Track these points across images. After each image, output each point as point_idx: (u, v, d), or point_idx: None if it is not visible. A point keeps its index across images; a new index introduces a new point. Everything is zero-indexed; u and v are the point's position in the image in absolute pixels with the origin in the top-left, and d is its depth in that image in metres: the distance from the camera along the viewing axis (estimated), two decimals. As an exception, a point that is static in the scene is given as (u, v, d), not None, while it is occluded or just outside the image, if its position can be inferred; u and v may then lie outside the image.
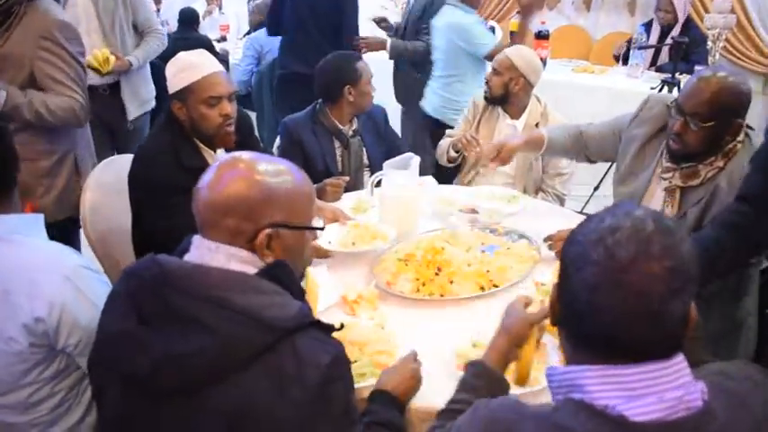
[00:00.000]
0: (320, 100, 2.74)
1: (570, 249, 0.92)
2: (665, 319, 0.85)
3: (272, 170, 1.17)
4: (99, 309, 1.18)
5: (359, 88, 2.66)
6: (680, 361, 0.88)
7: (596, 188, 3.80)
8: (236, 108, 2.14)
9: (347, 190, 2.55)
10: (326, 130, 2.71)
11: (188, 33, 5.22)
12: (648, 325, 0.85)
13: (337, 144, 2.73)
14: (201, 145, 2.15)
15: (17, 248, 1.42)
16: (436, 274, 1.87)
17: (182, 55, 2.10)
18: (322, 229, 1.30)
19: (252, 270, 1.12)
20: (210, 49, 5.24)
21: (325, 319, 1.15)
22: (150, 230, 1.97)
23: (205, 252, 1.13)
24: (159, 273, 1.09)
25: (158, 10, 4.70)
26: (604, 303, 0.85)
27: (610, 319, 0.86)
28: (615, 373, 0.86)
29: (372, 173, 2.69)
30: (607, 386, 0.86)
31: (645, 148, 2.09)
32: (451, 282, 1.84)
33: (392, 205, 2.17)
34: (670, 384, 0.86)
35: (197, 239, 1.16)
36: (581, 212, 3.42)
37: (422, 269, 1.89)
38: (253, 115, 5.45)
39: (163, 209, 1.95)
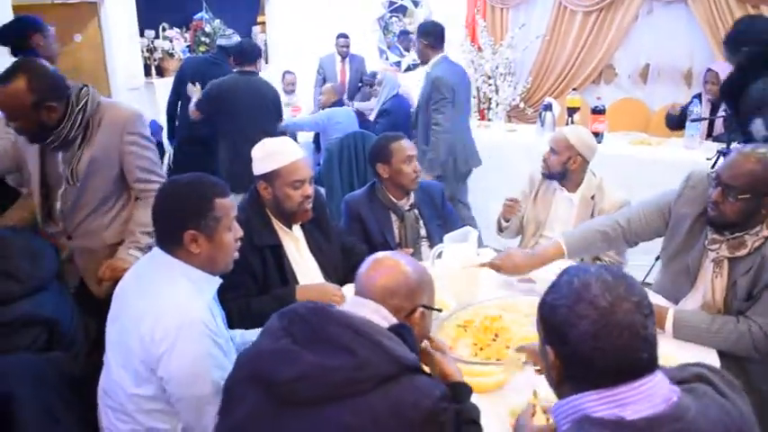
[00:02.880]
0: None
1: (556, 315, 1.12)
2: (649, 340, 1.08)
3: (414, 264, 1.56)
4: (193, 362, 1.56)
5: (392, 166, 2.82)
6: (659, 372, 1.10)
7: (658, 257, 3.80)
8: (313, 189, 2.37)
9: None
10: (383, 205, 2.90)
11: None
12: (641, 349, 1.06)
13: (394, 218, 2.91)
14: (277, 222, 2.38)
15: (167, 287, 1.73)
16: (493, 339, 1.98)
17: (269, 141, 2.37)
18: (440, 310, 1.70)
19: (385, 324, 1.43)
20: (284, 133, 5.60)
21: None
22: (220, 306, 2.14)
23: (356, 306, 1.47)
24: (316, 307, 1.42)
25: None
26: (606, 344, 1.05)
27: (612, 354, 1.05)
28: (615, 392, 1.06)
29: (431, 245, 2.86)
30: (608, 404, 1.05)
31: (694, 226, 2.17)
32: (508, 347, 1.94)
33: (453, 277, 2.30)
34: (657, 390, 1.06)
35: (353, 297, 1.52)
36: (643, 282, 3.43)
37: (480, 335, 2.00)
38: (322, 191, 5.75)
39: (232, 287, 2.14)
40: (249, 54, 4.59)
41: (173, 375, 1.66)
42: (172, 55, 7.02)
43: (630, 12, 5.67)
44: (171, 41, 7.10)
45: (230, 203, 1.84)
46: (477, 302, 2.26)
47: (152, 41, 7.09)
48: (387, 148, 2.85)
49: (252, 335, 2.11)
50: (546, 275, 2.41)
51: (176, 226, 1.76)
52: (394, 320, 1.45)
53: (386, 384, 1.28)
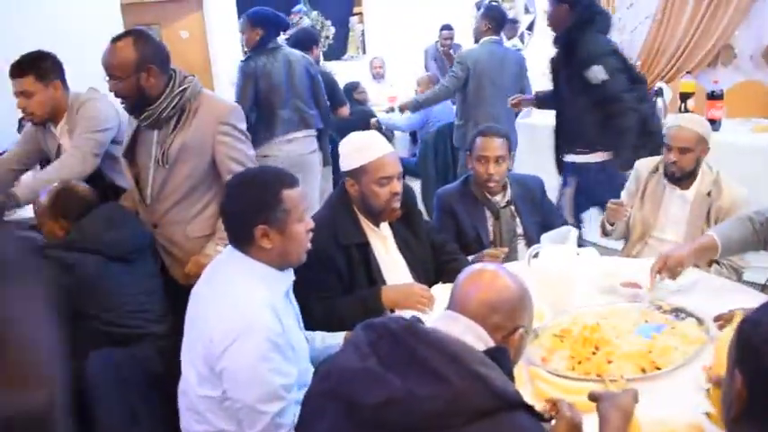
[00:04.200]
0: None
1: (757, 332, 0.91)
2: None
3: (518, 280, 1.41)
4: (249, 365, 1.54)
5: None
6: None
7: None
8: (402, 185, 2.28)
9: (504, 260, 2.56)
10: (477, 200, 2.76)
11: (352, 106, 5.52)
12: None
13: (488, 214, 2.76)
14: (364, 220, 2.31)
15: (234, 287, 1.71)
16: (593, 353, 1.81)
17: (355, 136, 2.31)
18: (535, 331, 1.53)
19: (481, 346, 1.27)
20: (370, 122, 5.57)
21: None
22: (304, 305, 2.05)
23: (449, 322, 1.33)
24: (408, 326, 1.26)
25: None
26: None
27: None
28: None
29: (528, 243, 2.70)
30: None
31: None
32: (610, 362, 1.77)
33: (549, 281, 2.14)
34: None
35: (446, 313, 1.38)
36: (764, 287, 3.11)
37: (578, 347, 1.84)
38: (417, 183, 5.66)
39: (317, 286, 2.09)
40: (303, 42, 4.60)
41: (229, 377, 1.65)
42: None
43: (754, -15, 5.17)
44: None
45: (299, 194, 1.80)
46: (575, 309, 2.09)
47: (296, 30, 7.17)
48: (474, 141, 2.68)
49: (333, 339, 2.06)
50: (654, 280, 2.22)
51: (246, 222, 1.73)
52: (490, 342, 1.31)
53: (481, 421, 1.13)
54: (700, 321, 1.96)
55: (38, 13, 5.82)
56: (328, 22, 8.10)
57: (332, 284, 2.24)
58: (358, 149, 2.24)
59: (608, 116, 3.30)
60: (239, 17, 7.35)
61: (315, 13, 7.90)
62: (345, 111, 4.76)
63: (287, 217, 1.75)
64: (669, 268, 2.10)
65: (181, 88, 2.35)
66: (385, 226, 2.38)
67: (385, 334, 1.26)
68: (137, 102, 2.34)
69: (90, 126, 2.74)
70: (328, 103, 4.32)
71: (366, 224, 2.33)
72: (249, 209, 1.74)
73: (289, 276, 1.85)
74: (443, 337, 1.23)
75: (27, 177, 2.87)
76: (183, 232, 2.50)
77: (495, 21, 4.64)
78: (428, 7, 7.63)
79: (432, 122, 5.58)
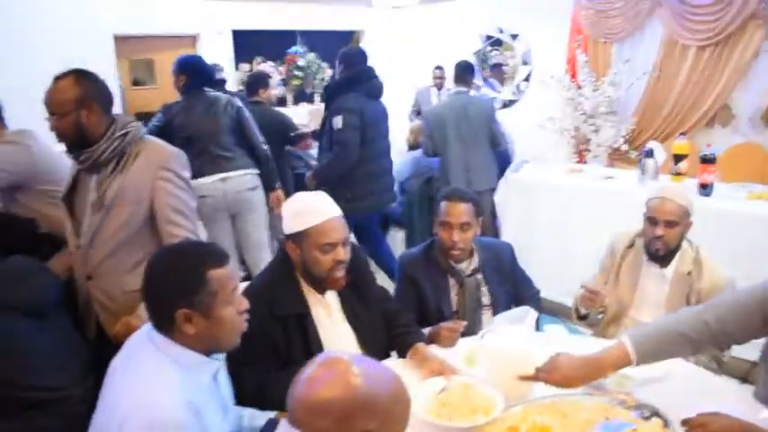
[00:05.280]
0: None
1: None
2: None
3: (375, 375, 1.15)
4: None
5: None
6: None
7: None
8: (349, 251, 2.11)
9: (464, 334, 2.36)
10: (440, 268, 2.56)
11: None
12: None
13: (452, 282, 2.56)
14: (307, 286, 2.12)
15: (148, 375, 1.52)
16: (540, 457, 1.60)
17: (300, 197, 2.14)
18: None
19: None
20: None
21: None
22: (235, 377, 1.90)
23: None
24: None
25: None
26: None
27: None
28: None
29: (495, 314, 2.49)
30: None
31: None
32: (558, 470, 1.56)
33: (500, 366, 1.93)
34: None
35: (284, 424, 1.15)
36: (744, 381, 2.85)
37: (523, 450, 1.63)
38: (402, 234, 5.49)
39: (249, 359, 1.90)
40: (250, 85, 5.09)
41: None
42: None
43: (752, 46, 5.07)
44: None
45: (227, 274, 1.60)
46: (528, 401, 1.87)
47: (247, 75, 7.16)
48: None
49: (262, 419, 1.88)
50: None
51: (166, 305, 1.55)
52: None
53: None
54: (666, 424, 1.74)
55: (31, 44, 5.77)
56: (325, 65, 8.03)
57: (266, 358, 2.04)
58: (300, 212, 2.06)
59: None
60: (236, 56, 7.33)
61: (312, 54, 7.83)
62: (304, 144, 5.22)
63: (213, 300, 1.56)
64: (553, 383, 1.86)
65: (122, 132, 2.28)
66: (331, 293, 2.19)
67: None
68: (76, 141, 2.27)
69: None
70: (264, 143, 4.24)
71: (309, 291, 2.13)
72: (169, 290, 1.56)
73: (215, 363, 1.66)
74: None
75: None
76: (119, 285, 2.34)
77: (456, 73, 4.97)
78: (423, 51, 7.57)
79: (420, 172, 5.43)
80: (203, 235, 3.76)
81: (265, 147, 4.21)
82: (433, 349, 2.25)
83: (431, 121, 4.87)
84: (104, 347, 2.22)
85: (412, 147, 5.86)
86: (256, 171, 4.15)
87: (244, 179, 4.06)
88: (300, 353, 2.06)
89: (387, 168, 4.47)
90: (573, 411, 1.80)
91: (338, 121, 4.10)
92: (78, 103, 2.22)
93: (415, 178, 5.44)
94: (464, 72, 4.95)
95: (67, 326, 2.26)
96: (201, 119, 3.95)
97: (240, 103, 4.15)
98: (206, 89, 4.05)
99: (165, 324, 1.57)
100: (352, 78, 4.20)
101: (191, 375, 1.56)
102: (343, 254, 2.07)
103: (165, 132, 3.84)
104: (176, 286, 1.54)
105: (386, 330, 2.31)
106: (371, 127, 4.19)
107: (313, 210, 2.06)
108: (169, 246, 1.91)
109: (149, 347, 1.59)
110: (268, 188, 4.25)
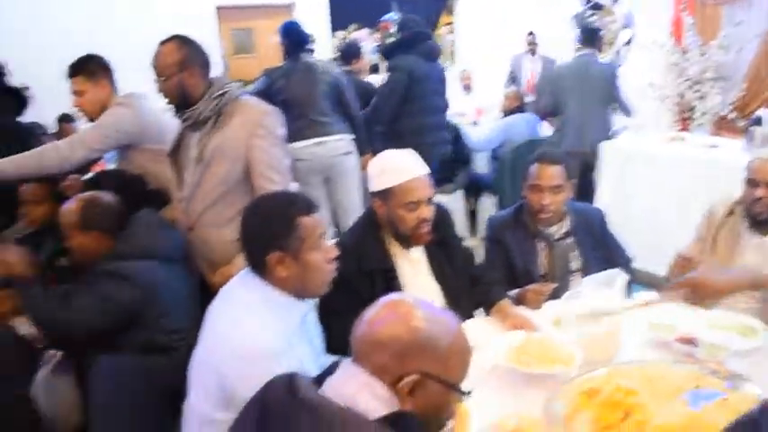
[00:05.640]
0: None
1: None
2: None
3: (442, 321, 1.18)
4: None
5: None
6: None
7: None
8: (433, 209, 2.15)
9: (552, 297, 2.35)
10: (529, 231, 2.55)
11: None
12: None
13: (541, 246, 2.54)
14: (393, 243, 2.18)
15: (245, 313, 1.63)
16: (622, 419, 1.59)
17: (387, 155, 2.18)
18: (468, 393, 1.20)
19: (381, 410, 1.08)
20: (458, 137, 5.47)
21: None
22: (325, 326, 1.99)
23: (345, 377, 1.15)
24: (289, 397, 1.11)
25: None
26: None
27: None
28: None
29: (586, 279, 2.46)
30: None
31: None
32: (640, 433, 1.55)
33: (588, 329, 1.93)
34: None
35: (346, 362, 1.18)
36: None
37: (605, 410, 1.62)
38: (494, 199, 5.47)
39: (337, 310, 1.97)
40: (345, 54, 5.21)
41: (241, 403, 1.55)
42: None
43: None
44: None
45: (315, 222, 1.71)
46: (613, 364, 1.86)
47: (343, 42, 7.26)
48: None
49: None
50: (712, 337, 1.95)
51: (260, 249, 1.67)
52: (393, 402, 1.10)
53: None
54: (759, 396, 1.68)
55: (141, 16, 6.09)
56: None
57: (354, 310, 2.12)
58: (386, 170, 2.11)
59: None
60: (332, 22, 7.43)
61: (405, 21, 7.82)
62: None
63: (301, 245, 1.67)
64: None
65: (220, 92, 2.42)
66: (418, 249, 2.24)
67: (270, 413, 1.13)
68: (179, 101, 2.43)
69: (100, 123, 2.83)
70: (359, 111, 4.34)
71: (395, 247, 2.20)
72: (262, 234, 1.68)
73: (305, 305, 1.77)
74: (320, 409, 1.07)
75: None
76: (217, 236, 2.49)
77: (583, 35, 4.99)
78: (518, 18, 7.40)
79: (511, 141, 5.37)
80: (296, 193, 3.89)
81: (360, 112, 4.30)
82: (520, 310, 2.27)
83: (552, 80, 5.00)
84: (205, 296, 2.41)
85: (507, 113, 5.77)
86: (351, 136, 4.24)
87: (338, 144, 4.15)
88: (386, 306, 2.13)
89: (438, 124, 4.56)
90: (660, 377, 1.77)
91: (385, 78, 4.34)
92: (180, 66, 2.38)
93: (506, 145, 5.39)
94: (591, 35, 4.99)
95: (186, 272, 2.46)
96: (300, 83, 4.07)
97: (337, 69, 4.28)
98: (305, 55, 4.17)
99: (259, 267, 1.69)
100: (407, 40, 4.33)
101: (282, 314, 1.67)
102: (428, 212, 2.11)
103: (266, 95, 3.98)
104: (268, 230, 1.66)
105: (471, 289, 2.34)
106: (421, 83, 4.29)
107: (398, 168, 2.10)
108: (263, 195, 2.03)
109: (244, 289, 1.71)
110: (362, 152, 4.33)
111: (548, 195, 2.44)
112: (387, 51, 4.50)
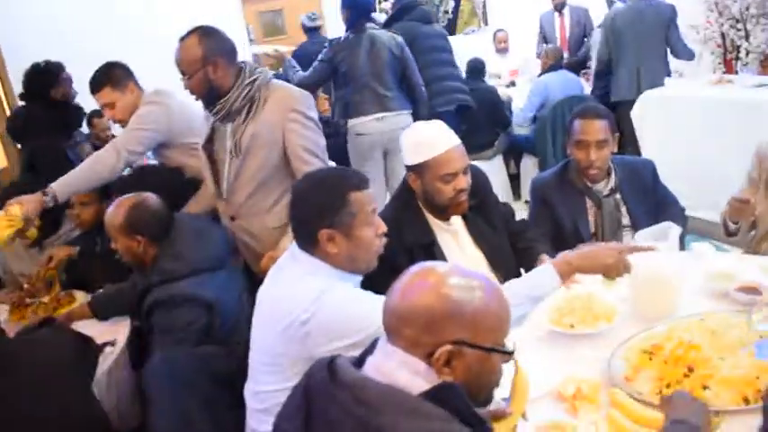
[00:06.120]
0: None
1: None
2: None
3: (464, 285, 1.10)
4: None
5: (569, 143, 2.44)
6: None
7: None
8: (470, 178, 2.11)
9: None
10: (576, 189, 2.48)
11: (476, 84, 5.33)
12: None
13: (590, 204, 2.48)
14: (431, 216, 2.16)
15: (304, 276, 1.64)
16: (686, 375, 1.54)
17: (420, 127, 2.16)
18: (511, 353, 1.14)
19: (423, 385, 1.05)
20: (496, 101, 5.38)
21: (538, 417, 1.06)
22: None
23: (383, 356, 1.11)
24: (329, 379, 1.09)
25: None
26: None
27: None
28: None
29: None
30: None
31: None
32: (705, 387, 1.48)
33: (644, 285, 1.87)
34: None
35: (381, 341, 1.14)
36: None
37: (667, 367, 1.58)
38: (535, 161, 5.37)
39: (378, 288, 1.96)
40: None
41: (319, 333, 1.55)
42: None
43: None
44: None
45: (367, 197, 1.67)
46: (673, 319, 1.81)
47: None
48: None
49: None
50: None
51: (310, 225, 1.64)
52: (433, 375, 1.06)
53: None
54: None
55: (160, 7, 6.06)
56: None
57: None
58: (420, 143, 2.07)
59: None
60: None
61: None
62: None
63: (353, 220, 1.63)
64: None
65: (251, 79, 2.37)
66: (457, 219, 2.20)
67: (314, 385, 1.12)
68: (208, 96, 2.38)
69: (133, 123, 2.77)
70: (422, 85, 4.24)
71: (433, 221, 2.16)
72: (313, 211, 1.65)
73: (357, 278, 1.75)
74: (357, 396, 1.04)
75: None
76: (262, 223, 2.49)
77: None
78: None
79: (549, 100, 5.25)
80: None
81: (423, 88, 4.23)
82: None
83: (606, 27, 4.89)
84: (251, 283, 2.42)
85: (544, 70, 5.62)
86: (409, 110, 4.15)
87: (398, 119, 4.06)
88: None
89: (446, 75, 4.65)
90: (722, 329, 1.71)
91: None
92: (203, 61, 2.30)
93: (546, 105, 5.27)
94: None
95: (234, 273, 2.45)
96: (364, 55, 4.01)
97: (400, 40, 4.14)
98: (368, 25, 4.09)
99: (309, 244, 1.66)
100: (399, 11, 4.59)
101: (336, 283, 1.64)
102: (465, 182, 2.07)
103: (329, 67, 4.07)
104: (319, 206, 1.63)
105: (513, 248, 2.31)
106: (419, 40, 4.42)
107: (432, 141, 2.06)
108: (313, 171, 1.99)
109: (296, 263, 1.69)
110: None
111: (594, 150, 2.37)
112: (385, 25, 4.47)
